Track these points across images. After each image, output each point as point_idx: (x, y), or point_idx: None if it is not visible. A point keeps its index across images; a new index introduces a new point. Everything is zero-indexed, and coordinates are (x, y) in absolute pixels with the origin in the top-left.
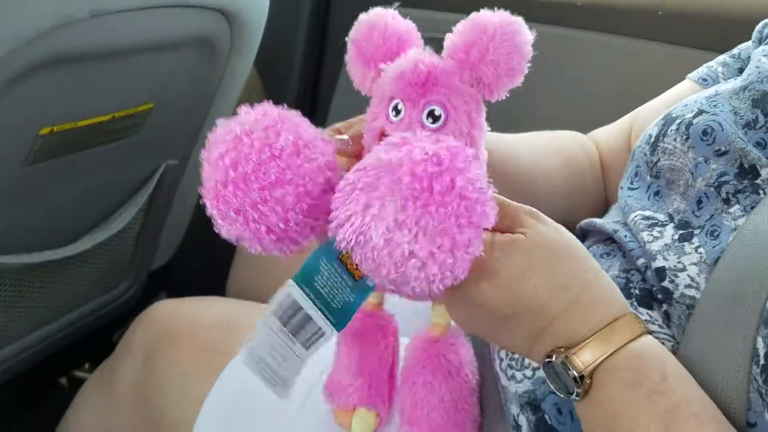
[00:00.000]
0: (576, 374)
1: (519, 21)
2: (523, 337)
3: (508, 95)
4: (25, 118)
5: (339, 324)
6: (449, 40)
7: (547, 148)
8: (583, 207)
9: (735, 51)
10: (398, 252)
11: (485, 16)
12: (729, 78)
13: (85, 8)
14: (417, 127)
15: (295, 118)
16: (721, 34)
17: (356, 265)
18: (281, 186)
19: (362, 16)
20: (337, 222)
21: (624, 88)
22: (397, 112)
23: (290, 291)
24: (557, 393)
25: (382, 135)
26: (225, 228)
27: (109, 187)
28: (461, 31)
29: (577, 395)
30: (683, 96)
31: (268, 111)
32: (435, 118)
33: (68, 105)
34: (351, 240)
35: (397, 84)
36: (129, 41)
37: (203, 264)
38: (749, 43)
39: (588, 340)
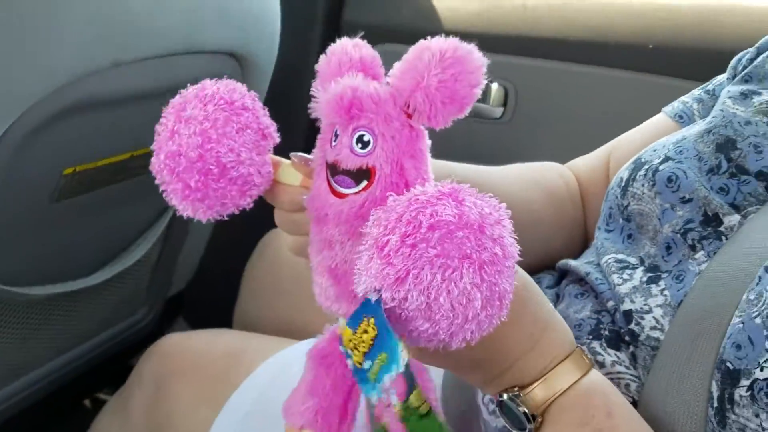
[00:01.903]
0: (527, 411)
1: (464, 49)
2: (479, 378)
3: (482, 126)
4: (51, 159)
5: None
6: (393, 66)
7: (526, 179)
8: (563, 238)
9: (709, 87)
10: (463, 313)
11: (427, 42)
12: (704, 116)
13: (108, 58)
14: (346, 152)
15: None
16: (712, 66)
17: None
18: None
19: (329, 47)
20: (392, 278)
21: (613, 119)
22: (336, 136)
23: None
24: (510, 429)
25: (327, 161)
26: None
27: (128, 220)
28: (404, 57)
29: (529, 431)
30: (659, 131)
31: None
32: (364, 144)
33: (90, 146)
34: (416, 301)
35: (327, 108)
36: (147, 87)
37: (217, 290)
38: (723, 77)
39: (539, 381)
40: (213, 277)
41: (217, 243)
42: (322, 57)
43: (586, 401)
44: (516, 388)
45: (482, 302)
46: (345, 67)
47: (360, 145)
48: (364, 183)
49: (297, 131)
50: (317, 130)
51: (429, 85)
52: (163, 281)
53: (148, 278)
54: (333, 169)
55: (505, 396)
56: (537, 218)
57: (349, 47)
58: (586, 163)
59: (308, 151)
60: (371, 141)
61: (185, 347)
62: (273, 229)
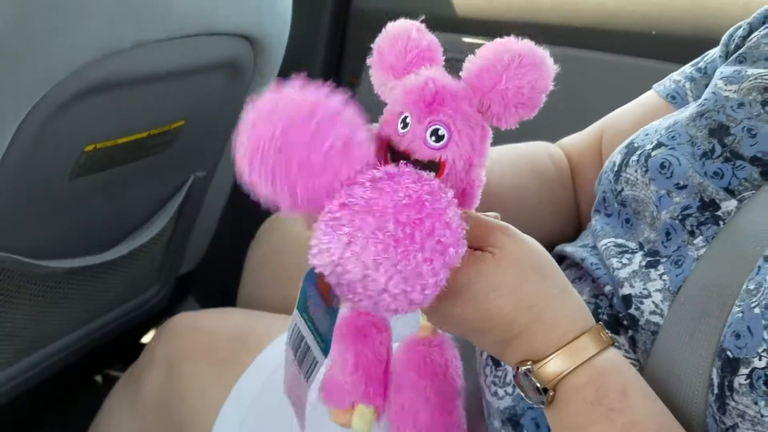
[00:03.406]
0: (539, 385)
1: (540, 54)
2: (493, 345)
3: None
4: (74, 136)
5: (325, 350)
6: (468, 62)
7: (518, 162)
8: (555, 221)
9: (701, 64)
10: (372, 287)
11: (507, 43)
12: (697, 96)
13: (130, 39)
14: (419, 143)
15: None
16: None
17: (328, 290)
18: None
19: (389, 26)
20: (317, 250)
21: (612, 104)
22: (405, 124)
23: (295, 320)
24: (527, 399)
25: (389, 143)
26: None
27: (143, 198)
28: (481, 55)
29: (542, 403)
30: (650, 109)
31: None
32: (438, 138)
33: (110, 124)
34: (328, 269)
35: (406, 99)
36: (166, 67)
37: (226, 269)
38: (715, 54)
39: (552, 356)
40: (222, 256)
41: (226, 225)
42: (383, 36)
43: (599, 381)
44: (530, 362)
45: (386, 278)
46: (412, 53)
47: (434, 138)
48: (432, 175)
49: None
50: None
51: (506, 89)
52: (175, 259)
53: (161, 256)
54: (396, 155)
55: (520, 369)
56: (527, 202)
57: (413, 32)
58: (576, 141)
59: None
60: (446, 135)
61: (195, 327)
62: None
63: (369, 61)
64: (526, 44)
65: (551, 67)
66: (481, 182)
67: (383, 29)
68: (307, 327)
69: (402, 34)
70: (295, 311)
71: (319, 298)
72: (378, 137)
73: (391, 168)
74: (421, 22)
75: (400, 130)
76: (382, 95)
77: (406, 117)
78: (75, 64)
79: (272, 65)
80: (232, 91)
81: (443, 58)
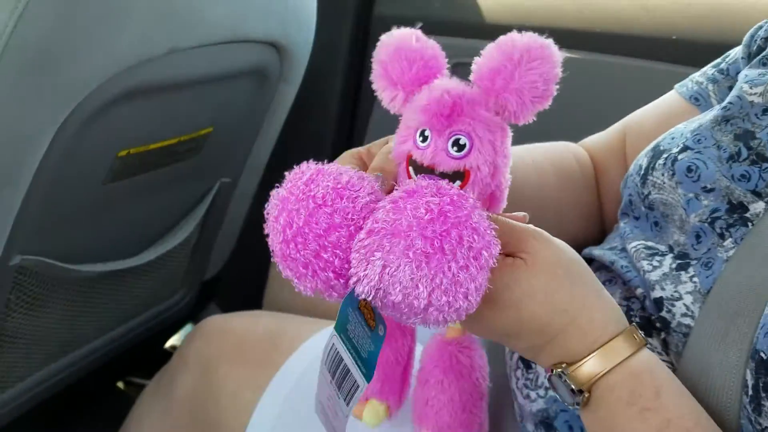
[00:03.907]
0: (573, 387)
1: (546, 45)
2: (527, 349)
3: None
4: (108, 141)
5: (368, 375)
6: (476, 64)
7: (541, 161)
8: (579, 219)
9: (723, 65)
10: (416, 304)
11: (512, 40)
12: (720, 98)
13: (165, 46)
14: (442, 155)
15: (331, 167)
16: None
17: (371, 314)
18: (334, 230)
19: (385, 37)
20: (356, 278)
21: (633, 107)
22: (425, 138)
23: (333, 341)
24: (562, 401)
25: (410, 159)
26: (302, 285)
27: (172, 204)
28: (488, 56)
29: (577, 404)
30: (673, 111)
31: (305, 168)
32: (460, 147)
33: (143, 130)
34: (371, 294)
35: (424, 114)
36: (197, 73)
37: (248, 276)
38: (737, 54)
39: (586, 359)
40: (245, 262)
41: (249, 231)
42: (383, 49)
43: (634, 380)
44: (564, 365)
45: (427, 293)
46: (417, 63)
47: (456, 148)
48: (458, 184)
49: (328, 119)
50: (347, 118)
51: (521, 87)
52: (201, 264)
53: (187, 261)
54: (419, 169)
55: (553, 371)
56: (551, 201)
57: (412, 41)
58: (599, 141)
59: (339, 138)
60: (467, 144)
61: (227, 329)
62: None
63: (372, 76)
64: (531, 37)
65: (558, 54)
66: (508, 183)
67: (380, 41)
68: (346, 349)
69: (403, 45)
70: (333, 331)
71: (362, 322)
72: (398, 154)
73: (409, 185)
74: (419, 28)
75: (420, 144)
76: (391, 108)
77: (424, 131)
78: (111, 71)
79: (297, 72)
80: (258, 98)
81: (447, 62)
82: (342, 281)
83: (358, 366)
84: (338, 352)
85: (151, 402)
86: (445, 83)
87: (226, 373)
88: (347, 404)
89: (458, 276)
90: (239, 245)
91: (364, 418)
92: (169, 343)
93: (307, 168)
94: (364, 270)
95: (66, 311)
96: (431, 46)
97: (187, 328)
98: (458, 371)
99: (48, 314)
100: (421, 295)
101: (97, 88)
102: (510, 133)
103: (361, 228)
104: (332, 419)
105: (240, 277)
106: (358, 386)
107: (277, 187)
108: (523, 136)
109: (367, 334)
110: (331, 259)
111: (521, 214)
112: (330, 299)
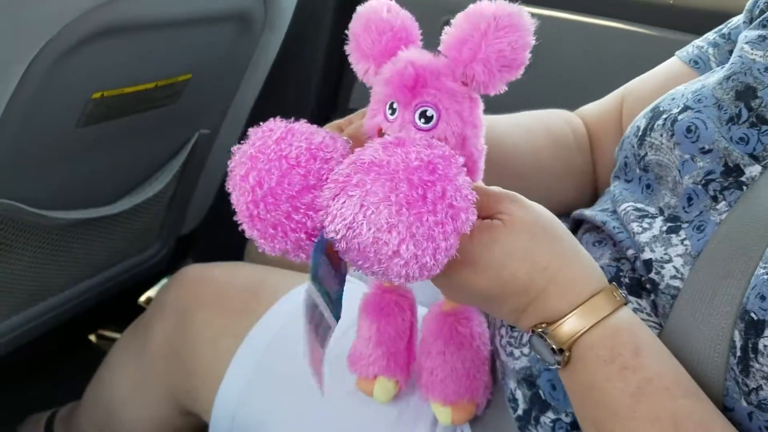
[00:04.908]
0: (554, 346)
1: (516, 12)
2: (508, 312)
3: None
4: (81, 82)
5: (337, 315)
6: (446, 34)
7: (534, 128)
8: (571, 187)
9: (725, 30)
10: (384, 250)
11: (480, 8)
12: (720, 61)
13: None
14: (410, 128)
15: (302, 126)
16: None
17: (337, 255)
18: (307, 191)
19: (360, 8)
20: (329, 213)
21: (630, 73)
22: (393, 111)
23: (308, 291)
24: (543, 361)
25: (380, 132)
26: (268, 245)
27: (148, 153)
28: (456, 25)
29: (558, 363)
30: (673, 76)
31: (274, 126)
32: (427, 119)
33: (117, 72)
34: (340, 232)
35: (389, 87)
36: (174, 13)
37: (226, 232)
38: (739, 20)
39: (567, 317)
40: (223, 219)
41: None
42: (356, 21)
43: (613, 339)
44: (544, 324)
45: (399, 240)
46: (386, 35)
47: (423, 120)
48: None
49: (314, 71)
50: (327, 90)
51: (488, 57)
52: (177, 218)
53: (163, 214)
54: None
55: (536, 331)
56: (543, 167)
57: (383, 12)
58: (595, 108)
59: (319, 111)
60: (434, 116)
61: (207, 278)
62: None
63: (347, 48)
64: (499, 5)
65: (529, 22)
66: (481, 152)
67: (355, 12)
68: (320, 294)
69: (373, 17)
70: (308, 281)
71: (328, 264)
72: (369, 128)
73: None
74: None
75: (390, 117)
76: (366, 81)
77: (393, 103)
78: (85, 6)
79: (282, 19)
80: (240, 46)
81: (419, 31)
82: (312, 242)
83: (330, 309)
84: (313, 299)
85: (124, 351)
86: (411, 54)
87: (205, 321)
88: (321, 347)
89: (433, 230)
90: (218, 201)
91: (375, 395)
92: (143, 297)
93: (276, 126)
94: (340, 207)
95: (35, 258)
96: (402, 17)
97: (163, 282)
98: (459, 342)
99: (15, 262)
100: (392, 241)
101: (68, 24)
102: (480, 104)
103: None
104: (315, 368)
105: (218, 233)
106: (329, 326)
107: (241, 144)
108: (516, 105)
109: (332, 274)
110: (303, 220)
111: (495, 188)
112: (296, 260)
